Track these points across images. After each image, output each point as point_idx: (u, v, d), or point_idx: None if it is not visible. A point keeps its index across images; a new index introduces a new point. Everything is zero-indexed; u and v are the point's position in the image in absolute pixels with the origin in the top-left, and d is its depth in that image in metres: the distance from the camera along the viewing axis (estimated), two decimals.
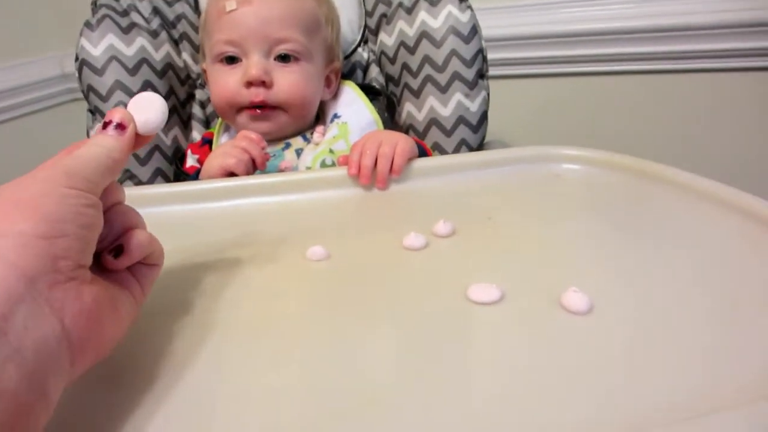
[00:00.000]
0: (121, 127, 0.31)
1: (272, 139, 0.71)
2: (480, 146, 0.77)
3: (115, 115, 0.31)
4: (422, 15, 0.75)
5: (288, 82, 0.68)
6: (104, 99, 0.74)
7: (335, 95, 0.76)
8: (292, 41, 0.68)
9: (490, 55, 1.09)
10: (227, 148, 0.61)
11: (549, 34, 1.09)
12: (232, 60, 0.68)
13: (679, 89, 1.06)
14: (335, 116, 0.73)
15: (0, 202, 0.25)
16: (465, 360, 0.31)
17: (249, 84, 0.67)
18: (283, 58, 0.68)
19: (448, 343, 0.32)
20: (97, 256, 0.30)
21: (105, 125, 0.31)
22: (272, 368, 0.31)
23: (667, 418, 0.25)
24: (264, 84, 0.67)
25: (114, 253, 0.30)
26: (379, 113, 0.73)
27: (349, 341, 0.33)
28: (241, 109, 0.69)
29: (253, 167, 0.61)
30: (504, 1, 1.11)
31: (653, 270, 0.38)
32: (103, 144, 0.30)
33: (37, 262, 0.24)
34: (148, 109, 0.32)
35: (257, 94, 0.67)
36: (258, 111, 0.68)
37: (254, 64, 0.66)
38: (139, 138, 0.32)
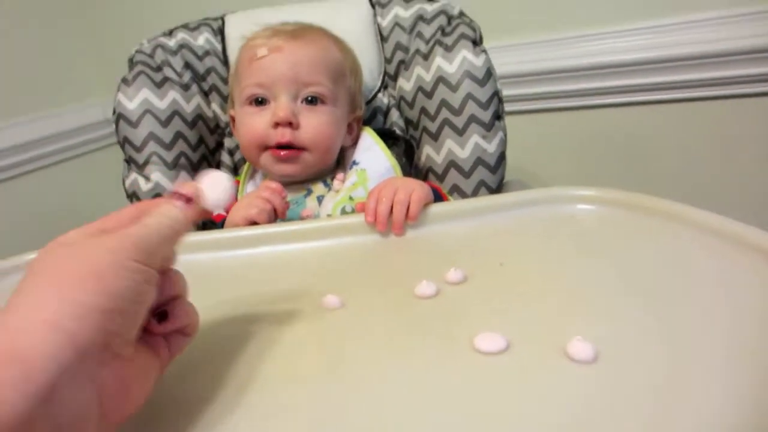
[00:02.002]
0: (188, 200, 0.32)
1: (294, 186, 0.73)
2: (499, 186, 0.78)
3: (184, 189, 0.32)
4: (438, 60, 0.78)
5: (314, 124, 0.71)
6: (138, 150, 0.78)
7: (355, 142, 0.79)
8: (320, 85, 0.71)
9: (512, 91, 1.11)
10: (250, 199, 0.64)
11: (566, 68, 1.10)
12: (261, 102, 0.71)
13: (699, 118, 1.06)
14: (354, 163, 0.75)
15: (67, 266, 0.25)
16: (469, 411, 0.32)
17: (276, 125, 0.70)
18: (310, 101, 0.71)
19: (454, 393, 0.33)
20: None
21: (174, 195, 0.32)
22: (283, 417, 0.32)
23: None
24: (291, 125, 0.70)
25: (158, 317, 0.31)
26: (397, 158, 0.75)
27: (357, 393, 0.34)
28: (266, 148, 0.72)
29: (275, 216, 0.64)
30: (523, 38, 1.13)
31: (664, 316, 0.38)
32: (170, 215, 0.31)
33: (91, 335, 0.24)
34: (217, 188, 0.33)
35: (284, 135, 0.70)
36: (282, 153, 0.70)
37: (282, 106, 0.69)
38: (202, 213, 0.33)
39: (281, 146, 0.70)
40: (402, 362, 0.36)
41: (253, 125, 0.71)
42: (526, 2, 1.11)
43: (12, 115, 1.44)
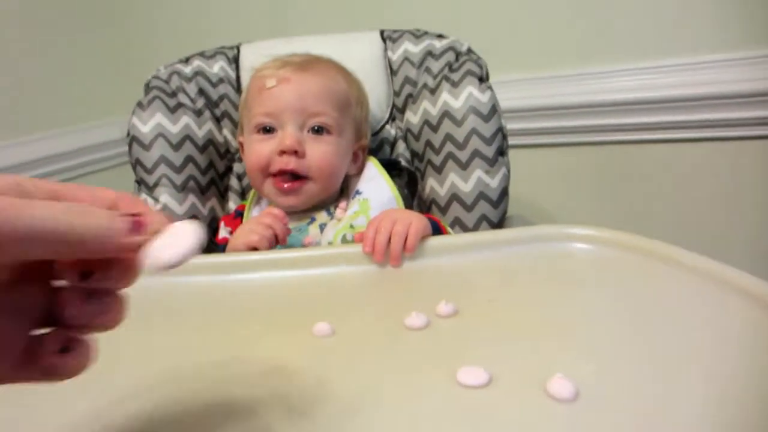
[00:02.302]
0: (138, 226, 0.25)
1: (297, 213, 0.75)
2: (501, 221, 0.79)
3: (146, 218, 0.25)
4: (444, 96, 0.80)
5: (319, 154, 0.72)
6: (149, 172, 0.81)
7: (359, 170, 0.80)
8: (325, 115, 0.73)
9: (517, 125, 1.13)
10: (252, 225, 0.65)
11: (577, 104, 1.12)
12: (268, 131, 0.74)
13: (699, 159, 1.06)
14: (357, 192, 0.77)
15: None
16: None
17: (282, 152, 0.71)
18: (316, 131, 0.73)
19: (433, 425, 0.33)
20: None
21: (131, 214, 0.25)
22: None
23: None
24: (296, 153, 0.71)
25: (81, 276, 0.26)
26: (399, 189, 0.76)
27: (341, 422, 0.35)
28: (270, 175, 0.73)
29: (276, 242, 0.65)
30: (528, 73, 1.15)
31: (649, 357, 0.39)
32: (102, 217, 0.24)
33: None
34: (172, 248, 0.25)
35: (288, 162, 0.71)
36: (285, 186, 0.72)
37: (289, 134, 0.71)
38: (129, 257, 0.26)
39: (285, 173, 0.72)
40: (386, 392, 0.37)
41: (259, 151, 0.73)
42: (538, 39, 1.13)
43: (34, 130, 1.49)
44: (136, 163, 0.82)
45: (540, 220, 1.14)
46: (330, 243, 0.70)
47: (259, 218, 0.67)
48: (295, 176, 0.72)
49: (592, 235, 0.58)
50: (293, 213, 0.74)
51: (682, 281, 0.48)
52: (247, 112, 0.77)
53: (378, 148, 0.90)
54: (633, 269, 0.52)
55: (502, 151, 0.79)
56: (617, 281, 0.51)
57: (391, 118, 0.90)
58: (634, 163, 1.12)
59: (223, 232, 0.79)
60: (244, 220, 0.78)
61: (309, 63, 0.76)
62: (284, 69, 0.74)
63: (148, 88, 0.86)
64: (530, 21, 1.13)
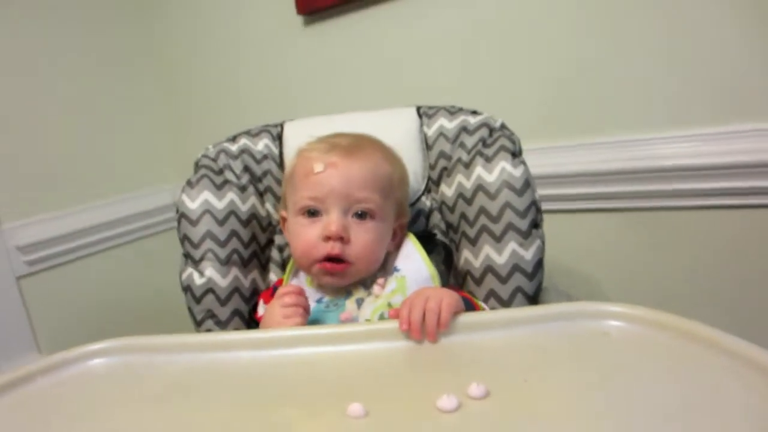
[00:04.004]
0: None
1: (335, 288, 0.77)
2: (536, 293, 0.79)
3: None
4: (478, 170, 0.82)
5: (363, 240, 0.74)
6: (195, 246, 0.85)
7: (398, 247, 0.82)
8: (370, 201, 0.75)
9: (558, 191, 1.13)
10: (283, 310, 0.68)
11: (619, 170, 1.11)
12: (313, 214, 0.76)
13: (741, 229, 1.03)
14: (395, 269, 0.78)
15: None
16: None
17: (327, 238, 0.74)
18: (360, 216, 0.75)
19: None
20: None
21: None
22: None
23: None
24: (341, 239, 0.74)
25: None
26: (436, 265, 0.77)
27: None
28: (316, 261, 0.75)
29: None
30: (569, 140, 1.16)
31: None
32: None
33: None
34: None
35: (334, 248, 0.73)
36: (330, 268, 0.74)
37: (334, 220, 0.74)
38: None
39: (330, 258, 0.74)
40: None
41: (305, 237, 0.76)
42: (578, 106, 1.15)
43: (95, 198, 1.61)
44: (184, 239, 0.86)
45: (576, 290, 1.13)
46: (367, 320, 0.71)
47: (281, 302, 0.69)
48: (340, 259, 0.74)
49: (629, 313, 0.57)
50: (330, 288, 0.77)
51: (722, 367, 0.47)
52: (292, 190, 0.80)
53: (414, 218, 0.92)
54: (671, 351, 0.52)
55: (536, 224, 0.80)
56: (654, 364, 0.51)
57: (427, 190, 0.92)
58: (673, 231, 1.10)
59: (261, 309, 0.81)
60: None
61: (355, 148, 0.78)
62: (332, 153, 0.76)
63: (197, 166, 0.92)
64: (570, 90, 1.14)
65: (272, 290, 0.84)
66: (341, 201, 0.74)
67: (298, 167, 0.80)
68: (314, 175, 0.75)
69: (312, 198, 0.75)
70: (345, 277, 0.76)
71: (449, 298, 0.60)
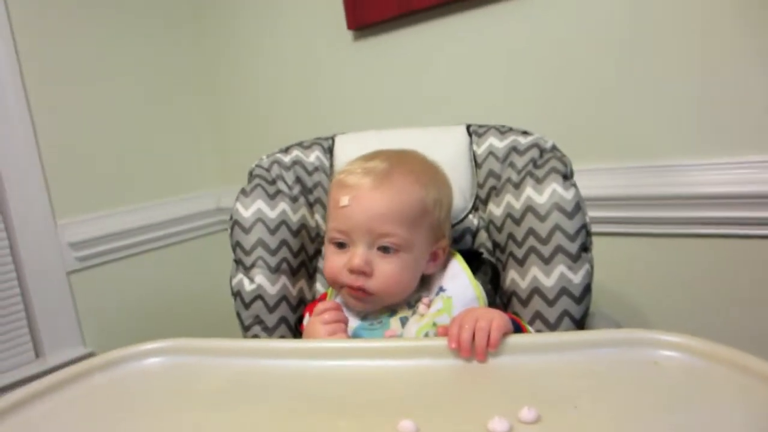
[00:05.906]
0: None
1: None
2: (583, 317, 0.78)
3: None
4: (528, 191, 0.82)
5: (386, 273, 0.75)
6: (247, 253, 0.87)
7: (441, 267, 0.81)
8: (394, 236, 0.75)
9: (613, 213, 1.12)
10: (325, 328, 0.70)
11: (665, 195, 1.10)
12: (341, 245, 0.77)
13: None
14: (441, 289, 0.78)
15: None
16: None
17: (351, 271, 0.75)
18: (385, 249, 0.76)
19: None
20: None
21: None
22: None
23: None
24: (364, 273, 0.75)
25: None
26: (482, 285, 0.77)
27: None
28: (341, 286, 0.77)
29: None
30: (625, 162, 1.14)
31: None
32: None
33: None
34: None
35: (356, 280, 0.75)
36: (353, 291, 0.76)
37: (358, 254, 0.74)
38: None
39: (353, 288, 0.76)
40: None
41: (332, 264, 0.77)
42: (633, 130, 1.14)
43: (140, 199, 1.68)
44: (236, 245, 0.89)
45: (623, 318, 1.11)
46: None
47: (321, 318, 0.72)
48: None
49: (681, 343, 0.57)
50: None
51: None
52: (327, 215, 0.82)
53: (460, 237, 0.93)
54: (724, 385, 0.51)
55: (585, 248, 0.79)
56: (706, 397, 0.50)
57: (474, 208, 0.93)
58: (730, 261, 1.07)
59: (306, 321, 0.82)
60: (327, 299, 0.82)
61: (385, 176, 0.77)
62: (363, 180, 0.76)
63: (251, 176, 0.95)
64: (625, 113, 1.13)
65: (317, 303, 0.85)
66: (365, 235, 0.75)
67: (331, 195, 0.81)
68: (341, 209, 0.76)
69: (338, 230, 0.77)
70: (369, 303, 0.77)
71: (499, 318, 0.60)
